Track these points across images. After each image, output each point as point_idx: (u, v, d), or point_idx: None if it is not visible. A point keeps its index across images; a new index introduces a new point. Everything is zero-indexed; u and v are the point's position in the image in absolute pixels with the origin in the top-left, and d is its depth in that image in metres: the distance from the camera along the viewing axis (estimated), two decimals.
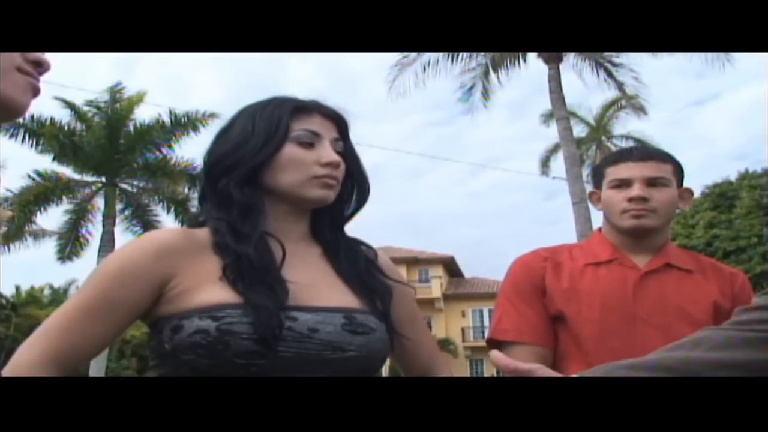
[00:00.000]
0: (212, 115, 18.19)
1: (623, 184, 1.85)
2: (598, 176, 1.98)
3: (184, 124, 18.31)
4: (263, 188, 1.29)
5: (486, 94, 17.10)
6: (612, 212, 1.89)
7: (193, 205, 18.17)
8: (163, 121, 18.29)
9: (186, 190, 18.92)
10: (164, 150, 18.69)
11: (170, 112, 18.29)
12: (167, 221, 19.20)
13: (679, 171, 1.90)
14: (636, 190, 1.82)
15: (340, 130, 1.36)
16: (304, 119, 1.32)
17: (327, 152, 1.30)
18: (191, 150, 23.53)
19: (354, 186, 1.40)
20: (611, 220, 1.91)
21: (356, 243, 1.40)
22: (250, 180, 1.28)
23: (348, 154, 1.36)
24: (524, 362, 1.75)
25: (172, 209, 18.96)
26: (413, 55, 16.55)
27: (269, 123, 1.29)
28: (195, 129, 18.31)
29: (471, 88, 17.09)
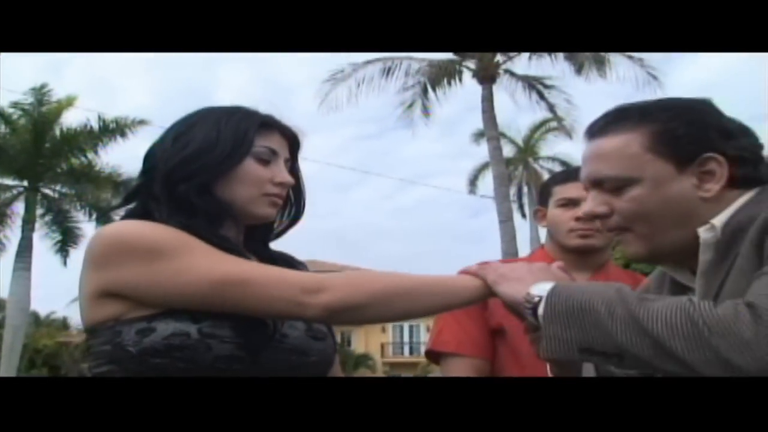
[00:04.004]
0: (141, 122, 17.92)
1: (571, 203, 1.88)
2: (544, 194, 2.00)
3: (112, 129, 17.92)
4: (216, 198, 1.27)
5: (426, 110, 17.31)
6: (558, 230, 1.92)
7: (117, 213, 17.63)
8: (91, 126, 17.87)
9: (110, 197, 18.48)
10: (90, 155, 18.24)
11: (99, 117, 17.88)
12: (88, 228, 18.70)
13: None
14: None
15: (291, 150, 1.37)
16: (266, 135, 1.32)
17: (281, 172, 1.32)
18: (117, 156, 22.94)
19: (291, 206, 1.42)
20: (557, 238, 1.93)
21: (288, 257, 1.42)
22: (208, 188, 1.26)
23: (294, 174, 1.37)
24: (462, 374, 1.78)
25: (95, 216, 18.48)
26: (348, 70, 16.64)
27: (235, 134, 1.27)
28: (123, 135, 17.94)
29: (411, 105, 17.26)
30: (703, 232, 1.13)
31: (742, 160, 1.15)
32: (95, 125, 17.89)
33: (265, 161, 1.30)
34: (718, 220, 1.13)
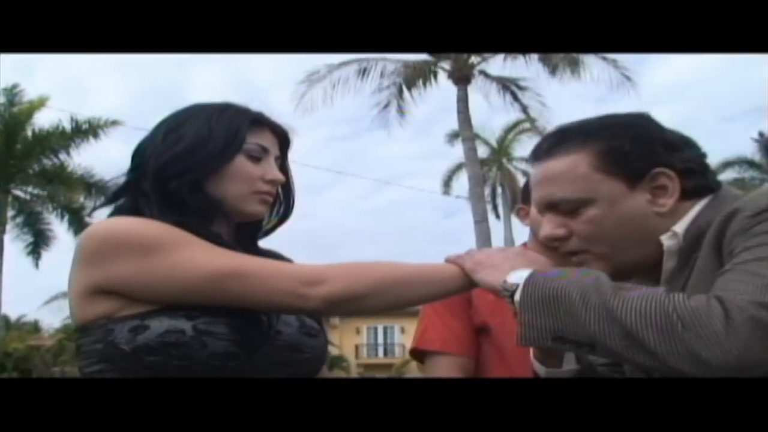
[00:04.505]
0: (114, 123, 17.76)
1: None
2: (527, 192, 1.99)
3: (84, 130, 17.73)
4: (208, 195, 1.26)
5: (401, 111, 17.37)
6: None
7: (89, 215, 17.65)
8: (63, 127, 17.68)
9: (82, 199, 18.31)
10: (62, 156, 18.05)
11: (71, 118, 17.70)
12: (60, 230, 18.52)
13: None
14: None
15: (281, 148, 1.37)
16: (258, 132, 1.31)
17: (272, 169, 1.31)
18: (89, 157, 22.72)
19: (280, 204, 1.41)
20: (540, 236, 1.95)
21: (278, 255, 1.39)
22: (199, 185, 1.25)
23: (284, 172, 1.36)
24: (447, 373, 1.80)
25: (67, 218, 18.31)
26: (323, 71, 16.65)
27: (227, 131, 1.27)
28: (95, 136, 17.77)
29: (386, 105, 17.32)
30: (666, 240, 1.16)
31: (691, 171, 1.17)
32: (67, 126, 17.73)
33: (256, 158, 1.29)
34: (679, 228, 1.16)
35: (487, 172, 26.04)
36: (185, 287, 1.13)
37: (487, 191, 21.60)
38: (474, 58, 17.17)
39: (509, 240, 22.18)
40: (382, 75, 16.97)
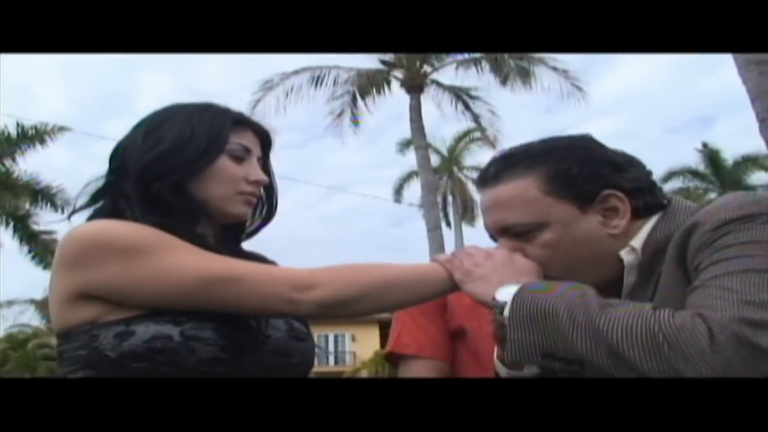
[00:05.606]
0: (62, 129, 17.41)
1: None
2: None
3: (30, 136, 17.34)
4: (191, 196, 1.24)
5: (355, 120, 17.40)
6: None
7: (35, 222, 17.38)
8: (9, 133, 17.25)
9: (28, 206, 17.90)
10: (8, 163, 17.61)
11: (17, 124, 17.29)
12: (5, 238, 18.08)
13: None
14: None
15: (263, 148, 1.36)
16: (240, 133, 1.30)
17: (255, 170, 1.30)
18: (36, 163, 22.26)
19: (263, 205, 1.40)
20: None
21: (261, 256, 1.38)
22: (182, 186, 1.23)
23: (266, 173, 1.35)
24: (422, 376, 1.79)
25: (12, 225, 17.87)
26: (276, 79, 16.57)
27: (210, 130, 1.25)
28: (42, 142, 17.38)
29: (340, 114, 17.31)
30: (626, 255, 1.18)
31: (639, 190, 1.20)
32: (13, 132, 17.30)
33: (239, 159, 1.28)
34: (637, 242, 1.18)
35: (438, 180, 26.22)
36: (173, 292, 1.10)
37: (438, 199, 21.73)
38: (427, 67, 17.32)
39: (460, 247, 22.21)
40: (335, 83, 16.97)
